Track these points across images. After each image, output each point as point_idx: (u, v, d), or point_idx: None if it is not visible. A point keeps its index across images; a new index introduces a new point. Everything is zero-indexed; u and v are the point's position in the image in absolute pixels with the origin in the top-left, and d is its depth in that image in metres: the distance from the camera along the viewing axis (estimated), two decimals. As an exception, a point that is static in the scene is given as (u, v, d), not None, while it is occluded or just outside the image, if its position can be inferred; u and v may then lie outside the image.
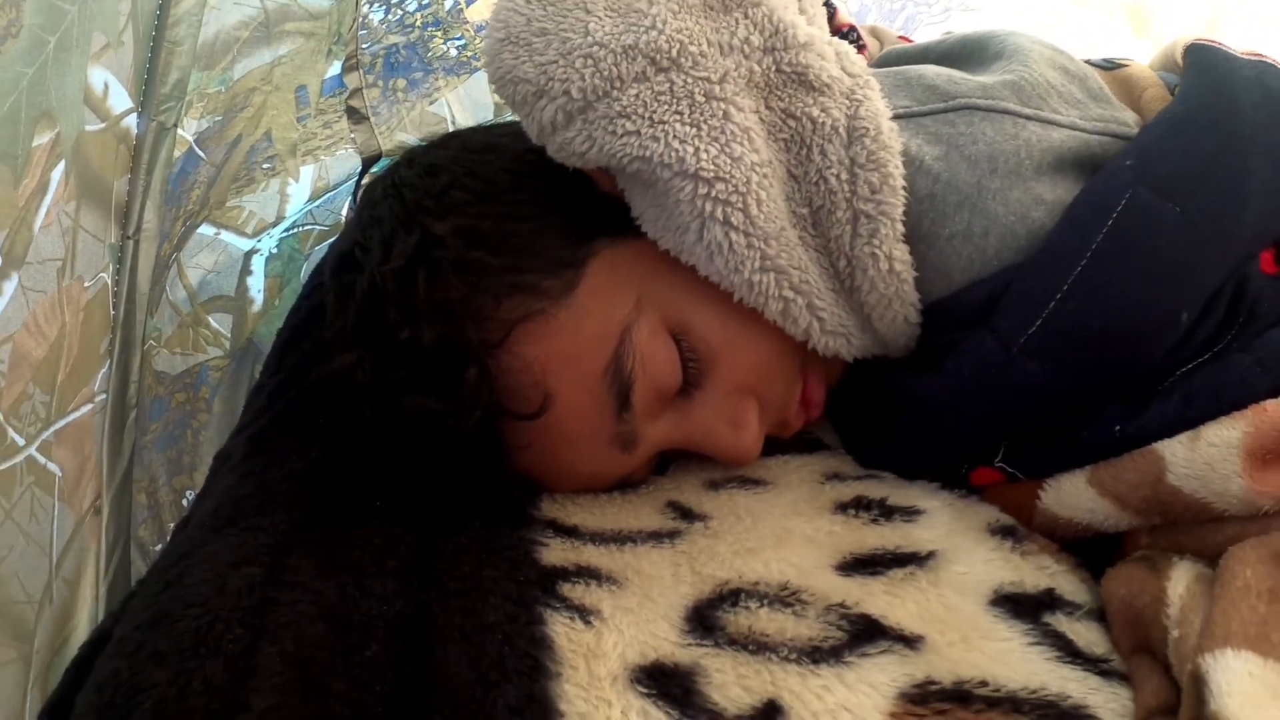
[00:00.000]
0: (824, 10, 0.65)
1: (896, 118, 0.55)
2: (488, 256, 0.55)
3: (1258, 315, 0.53)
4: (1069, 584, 0.53)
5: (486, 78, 0.59)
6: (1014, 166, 0.54)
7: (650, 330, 0.57)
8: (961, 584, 0.51)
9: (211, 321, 1.02)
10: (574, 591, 0.51)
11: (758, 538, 0.56)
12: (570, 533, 0.57)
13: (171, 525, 0.91)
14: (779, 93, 0.55)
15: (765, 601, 0.50)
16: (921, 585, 0.51)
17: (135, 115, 0.85)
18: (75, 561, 0.82)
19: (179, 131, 0.89)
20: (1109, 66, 0.65)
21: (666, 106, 0.53)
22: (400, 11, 1.10)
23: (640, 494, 0.62)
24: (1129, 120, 0.59)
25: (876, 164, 0.53)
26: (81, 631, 0.81)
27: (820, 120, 0.54)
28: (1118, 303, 0.52)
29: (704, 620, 0.50)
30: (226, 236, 1.02)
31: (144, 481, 0.92)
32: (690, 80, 0.53)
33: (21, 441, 0.73)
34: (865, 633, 0.48)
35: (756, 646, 0.48)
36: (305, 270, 1.09)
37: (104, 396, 0.86)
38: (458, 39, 1.13)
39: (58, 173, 0.73)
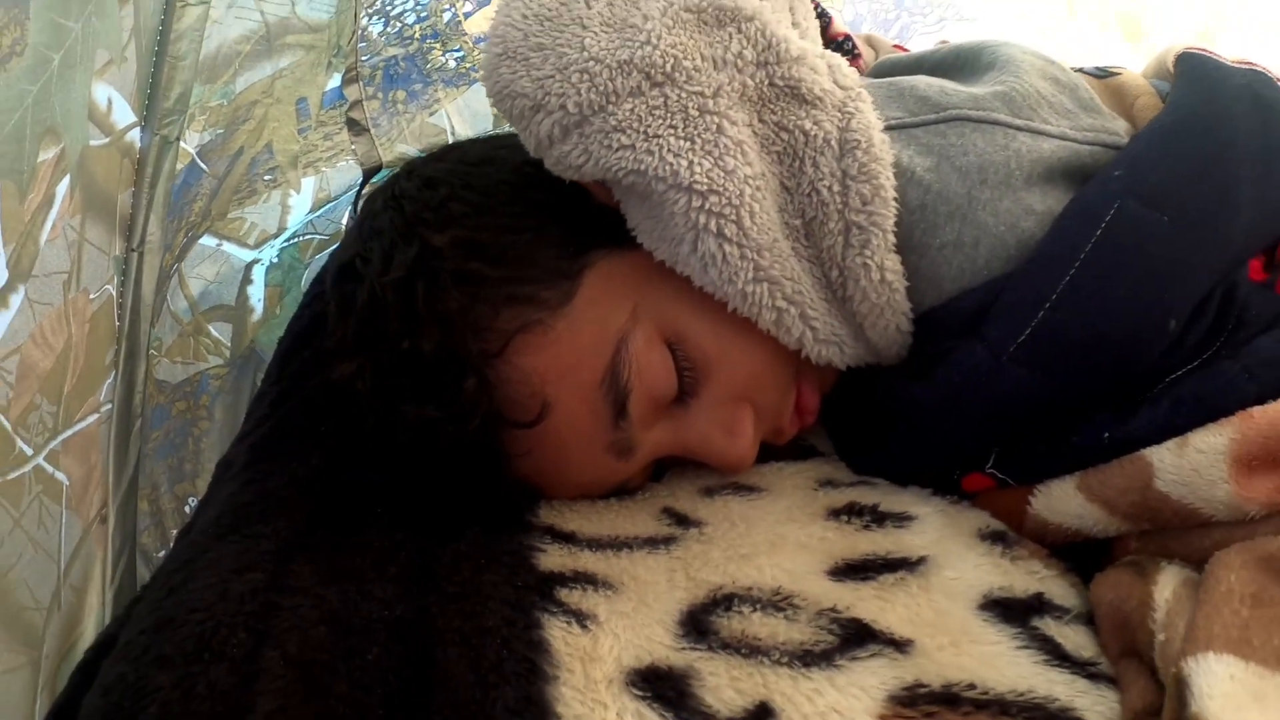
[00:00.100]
0: (818, 21, 0.66)
1: (889, 129, 0.55)
2: (486, 268, 0.56)
3: (1246, 322, 0.53)
4: (1058, 588, 0.53)
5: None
6: (1004, 177, 0.54)
7: (646, 340, 0.57)
8: (951, 589, 0.52)
9: (212, 330, 1.02)
10: (571, 596, 0.52)
11: (751, 543, 0.56)
12: (567, 539, 0.57)
13: (174, 532, 0.91)
14: (772, 106, 0.55)
15: (758, 606, 0.51)
16: (912, 590, 0.52)
17: (138, 130, 0.85)
18: (82, 568, 0.82)
19: (181, 145, 0.90)
20: (1101, 75, 0.65)
21: (661, 120, 0.53)
22: (399, 24, 1.10)
23: (636, 500, 0.62)
24: (1120, 130, 0.59)
25: (868, 176, 0.53)
26: (88, 637, 0.81)
27: (813, 133, 0.54)
28: (1106, 311, 0.52)
29: (698, 624, 0.50)
30: (228, 248, 1.02)
31: (146, 489, 0.92)
32: (684, 95, 0.53)
33: (30, 451, 0.73)
34: (856, 636, 0.49)
35: (749, 650, 0.48)
36: (305, 279, 1.09)
37: (109, 406, 0.86)
38: (456, 51, 1.13)
39: (63, 187, 0.74)
